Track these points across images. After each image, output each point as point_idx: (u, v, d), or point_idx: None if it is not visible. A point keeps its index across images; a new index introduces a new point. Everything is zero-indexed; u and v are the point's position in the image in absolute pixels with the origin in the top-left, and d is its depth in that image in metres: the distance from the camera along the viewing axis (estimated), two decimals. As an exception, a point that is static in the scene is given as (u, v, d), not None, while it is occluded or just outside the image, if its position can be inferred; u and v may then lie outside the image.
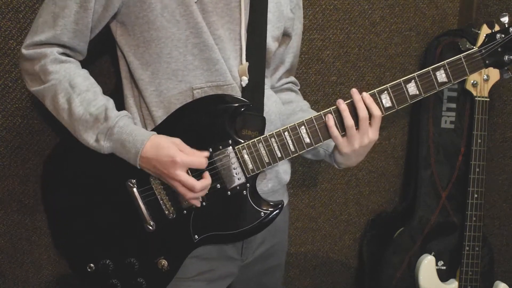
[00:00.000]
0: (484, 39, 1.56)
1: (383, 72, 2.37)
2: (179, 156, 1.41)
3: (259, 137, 1.51)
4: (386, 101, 1.53)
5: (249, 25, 1.55)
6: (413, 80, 1.52)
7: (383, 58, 2.35)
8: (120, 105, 1.53)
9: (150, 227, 1.52)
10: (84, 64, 1.56)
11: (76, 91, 1.44)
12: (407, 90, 1.53)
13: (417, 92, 1.53)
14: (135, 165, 1.45)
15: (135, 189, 1.51)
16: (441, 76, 1.53)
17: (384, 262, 2.40)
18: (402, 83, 1.53)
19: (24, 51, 1.47)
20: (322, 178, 2.41)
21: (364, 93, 1.51)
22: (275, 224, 1.59)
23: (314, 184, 2.40)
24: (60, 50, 1.48)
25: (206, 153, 1.47)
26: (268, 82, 1.69)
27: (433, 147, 2.37)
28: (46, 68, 1.45)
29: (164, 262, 1.53)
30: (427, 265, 2.36)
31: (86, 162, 1.54)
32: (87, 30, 1.48)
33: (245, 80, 1.54)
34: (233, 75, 1.53)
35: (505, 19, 1.54)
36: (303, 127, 1.52)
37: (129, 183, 1.51)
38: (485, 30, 2.02)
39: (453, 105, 2.36)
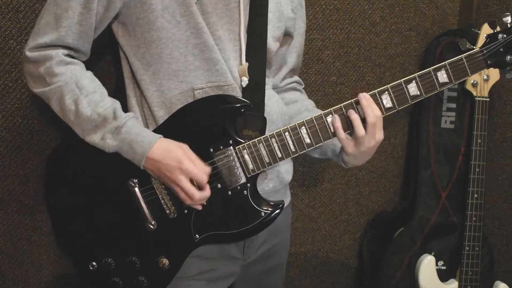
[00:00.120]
0: (486, 39, 1.56)
1: (383, 72, 2.37)
2: (186, 162, 1.42)
3: (259, 137, 1.51)
4: (386, 101, 1.53)
5: (249, 25, 1.56)
6: (414, 81, 1.52)
7: (383, 58, 2.36)
8: (123, 105, 1.53)
9: (151, 226, 1.53)
10: (87, 64, 1.56)
11: (83, 92, 1.45)
12: (408, 91, 1.52)
13: (418, 93, 1.53)
14: (138, 165, 1.45)
15: (136, 189, 1.51)
16: (442, 76, 1.53)
17: (384, 262, 2.40)
18: (403, 84, 1.52)
19: (28, 53, 1.47)
20: (322, 178, 2.41)
21: (365, 94, 1.51)
22: (277, 224, 1.60)
23: (314, 184, 2.40)
24: (65, 51, 1.49)
25: (209, 169, 1.47)
26: (270, 82, 1.70)
27: (433, 147, 2.38)
28: (52, 70, 1.46)
29: (165, 261, 1.54)
30: (427, 265, 2.36)
31: (88, 162, 1.55)
32: (91, 30, 1.49)
33: (245, 80, 1.54)
34: (233, 75, 1.54)
35: (508, 19, 1.53)
36: (303, 127, 1.52)
37: (130, 182, 1.51)
38: (485, 30, 2.02)
39: (453, 105, 2.36)
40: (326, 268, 2.52)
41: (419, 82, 1.52)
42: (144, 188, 1.51)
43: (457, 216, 2.39)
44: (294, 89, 1.85)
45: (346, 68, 2.31)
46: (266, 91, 1.60)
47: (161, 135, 1.47)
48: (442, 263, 2.39)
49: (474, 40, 2.09)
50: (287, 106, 1.76)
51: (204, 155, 1.49)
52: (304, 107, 1.77)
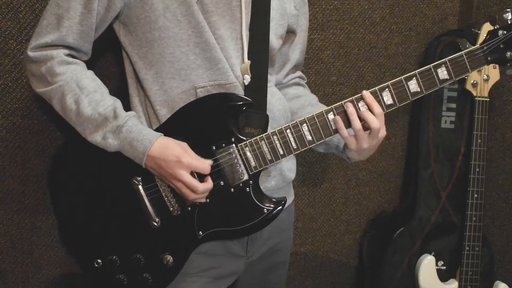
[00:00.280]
0: (486, 37, 1.56)
1: (383, 72, 2.37)
2: (184, 156, 1.43)
3: (261, 135, 1.52)
4: (387, 98, 1.53)
5: (251, 23, 1.57)
6: (414, 78, 1.53)
7: (383, 58, 2.36)
8: (126, 104, 1.54)
9: (155, 224, 1.53)
10: (90, 64, 1.57)
11: (84, 92, 1.47)
12: (408, 87, 1.53)
13: (419, 89, 1.54)
14: (140, 163, 1.46)
15: (140, 187, 1.52)
16: (442, 73, 1.53)
17: (384, 262, 2.40)
18: (404, 81, 1.53)
19: (30, 53, 1.48)
20: (322, 178, 2.41)
21: (365, 92, 1.52)
22: (280, 222, 1.61)
23: (314, 184, 2.40)
24: (66, 51, 1.50)
25: (210, 161, 1.48)
26: (273, 80, 1.70)
27: (433, 147, 2.38)
28: (53, 70, 1.47)
29: (169, 257, 1.55)
30: (427, 265, 2.36)
31: (92, 160, 1.56)
32: (92, 31, 1.50)
33: (247, 78, 1.55)
34: (235, 74, 1.55)
35: (508, 16, 1.53)
36: (304, 124, 1.53)
37: (134, 180, 1.52)
38: (485, 29, 2.03)
39: (453, 105, 2.36)
40: (326, 268, 2.52)
41: (419, 79, 1.53)
42: (147, 186, 1.52)
43: (457, 216, 2.39)
44: (297, 84, 1.87)
45: (346, 68, 2.31)
46: (268, 88, 1.61)
47: (161, 134, 1.48)
48: (442, 263, 2.39)
49: (474, 40, 2.10)
50: (290, 101, 1.77)
51: (207, 153, 1.50)
52: (307, 102, 1.78)
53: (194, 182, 1.44)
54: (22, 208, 1.95)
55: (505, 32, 1.54)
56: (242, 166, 1.51)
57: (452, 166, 2.39)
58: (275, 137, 1.52)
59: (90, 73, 1.53)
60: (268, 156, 1.52)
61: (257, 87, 1.57)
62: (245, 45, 1.55)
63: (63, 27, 1.46)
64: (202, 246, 1.57)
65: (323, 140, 1.55)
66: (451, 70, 1.53)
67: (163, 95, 1.54)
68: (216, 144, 1.50)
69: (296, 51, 1.80)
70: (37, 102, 1.86)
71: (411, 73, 1.53)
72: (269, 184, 1.63)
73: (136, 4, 1.47)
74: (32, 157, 1.91)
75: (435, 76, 1.53)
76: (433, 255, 2.37)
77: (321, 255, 2.49)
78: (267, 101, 1.59)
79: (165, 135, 1.48)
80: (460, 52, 1.54)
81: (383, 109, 1.53)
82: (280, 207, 1.56)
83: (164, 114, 1.54)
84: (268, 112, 1.58)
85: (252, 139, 1.51)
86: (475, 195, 2.30)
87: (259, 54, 1.58)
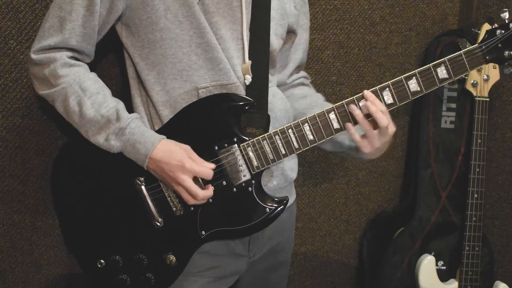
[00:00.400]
0: (485, 36, 1.57)
1: (383, 72, 2.37)
2: (188, 161, 1.44)
3: (263, 135, 1.53)
4: (387, 97, 1.54)
5: (251, 24, 1.57)
6: (414, 77, 1.54)
7: (383, 58, 2.36)
8: (128, 105, 1.54)
9: (158, 224, 1.54)
10: (91, 65, 1.57)
11: (87, 94, 1.47)
12: (408, 87, 1.54)
13: (418, 89, 1.55)
14: (142, 166, 1.47)
15: (143, 187, 1.52)
16: (442, 72, 1.54)
17: (384, 262, 2.40)
18: (404, 80, 1.54)
19: (33, 56, 1.49)
20: (322, 178, 2.41)
21: (366, 91, 1.53)
22: (282, 221, 1.62)
23: (314, 184, 2.40)
24: (69, 54, 1.51)
25: (213, 166, 1.49)
26: (274, 80, 1.71)
27: (433, 147, 2.38)
28: (56, 72, 1.48)
29: (172, 257, 1.55)
30: (427, 265, 2.36)
31: (95, 161, 1.56)
32: (94, 33, 1.51)
33: (248, 78, 1.55)
34: (236, 74, 1.55)
35: (505, 15, 1.54)
36: (306, 124, 1.54)
37: (137, 181, 1.52)
38: (485, 29, 2.02)
39: (453, 105, 2.37)
40: (326, 268, 2.52)
41: (419, 78, 1.54)
42: (150, 186, 1.53)
43: (457, 216, 2.39)
44: (302, 84, 1.87)
45: (346, 68, 2.32)
46: (270, 88, 1.61)
47: (164, 136, 1.48)
48: (442, 263, 2.40)
49: (474, 40, 2.10)
50: (297, 101, 1.78)
51: (209, 153, 1.50)
52: (314, 102, 1.78)
53: (195, 188, 1.45)
54: (22, 208, 1.95)
55: (503, 31, 1.55)
56: (244, 166, 1.52)
57: (452, 166, 2.39)
58: (277, 136, 1.53)
59: (93, 75, 1.54)
60: (270, 156, 1.53)
61: (258, 87, 1.57)
62: (245, 45, 1.56)
63: (66, 29, 1.47)
64: (204, 246, 1.57)
65: (324, 140, 1.55)
66: (450, 69, 1.54)
67: (165, 95, 1.54)
68: (218, 144, 1.51)
69: (299, 51, 1.81)
70: (37, 102, 1.87)
71: (411, 73, 1.54)
72: (271, 183, 1.64)
73: (138, 6, 1.48)
74: (32, 157, 1.91)
75: (434, 76, 1.54)
76: (433, 255, 2.38)
77: (321, 255, 2.49)
78: (268, 101, 1.59)
79: (167, 136, 1.48)
80: (459, 52, 1.55)
81: (384, 109, 1.54)
82: (282, 207, 1.57)
83: (166, 114, 1.54)
84: (269, 112, 1.58)
85: (254, 139, 1.52)
86: (475, 195, 2.31)
87: (260, 54, 1.58)
